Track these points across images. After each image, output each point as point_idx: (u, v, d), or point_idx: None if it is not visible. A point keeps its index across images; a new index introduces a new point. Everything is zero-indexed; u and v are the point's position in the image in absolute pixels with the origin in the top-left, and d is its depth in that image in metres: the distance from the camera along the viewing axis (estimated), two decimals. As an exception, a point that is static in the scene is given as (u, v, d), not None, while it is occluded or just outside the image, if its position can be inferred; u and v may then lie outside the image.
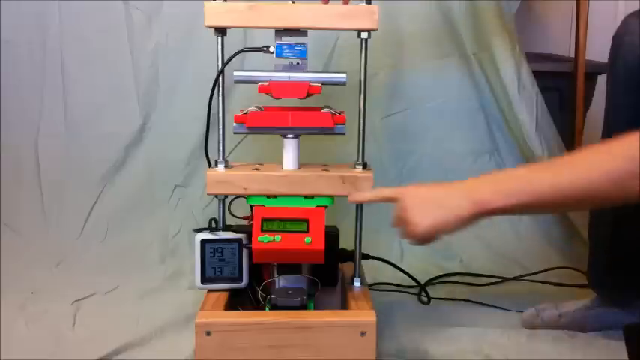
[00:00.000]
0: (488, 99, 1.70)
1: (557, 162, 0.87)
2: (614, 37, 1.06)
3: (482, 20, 1.65)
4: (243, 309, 1.12)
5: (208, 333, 0.99)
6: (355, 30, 1.10)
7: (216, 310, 1.06)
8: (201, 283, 1.13)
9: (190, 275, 1.28)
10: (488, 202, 0.86)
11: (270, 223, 1.08)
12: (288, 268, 1.13)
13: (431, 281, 1.44)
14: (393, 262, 1.31)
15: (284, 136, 1.12)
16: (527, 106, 1.65)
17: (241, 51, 1.12)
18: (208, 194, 1.13)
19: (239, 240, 1.13)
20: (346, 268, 1.23)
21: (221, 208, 1.15)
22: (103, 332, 1.18)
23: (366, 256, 1.21)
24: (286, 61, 1.12)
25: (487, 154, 1.72)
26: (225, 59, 1.11)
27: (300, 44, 1.12)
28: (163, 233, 1.61)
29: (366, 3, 1.09)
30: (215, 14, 1.08)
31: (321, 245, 1.06)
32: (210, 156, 1.16)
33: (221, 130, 1.13)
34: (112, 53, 1.65)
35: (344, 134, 1.12)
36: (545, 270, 1.48)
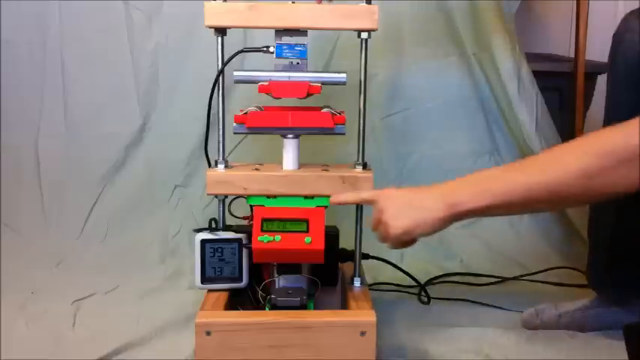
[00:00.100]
0: (489, 99, 1.70)
1: (531, 161, 0.88)
2: (614, 35, 1.07)
3: (482, 20, 1.65)
4: (243, 309, 1.12)
5: (208, 333, 0.99)
6: (355, 30, 1.10)
7: (216, 310, 1.05)
8: (201, 283, 1.13)
9: (190, 275, 1.28)
10: (462, 203, 0.87)
11: (270, 223, 1.08)
12: (288, 268, 1.13)
13: (431, 281, 1.44)
14: (393, 262, 1.31)
15: (284, 136, 1.12)
16: (527, 106, 1.65)
17: (241, 51, 1.12)
18: (208, 194, 1.13)
19: (239, 240, 1.13)
20: (346, 268, 1.23)
21: (221, 208, 1.15)
22: (103, 332, 1.18)
23: (366, 256, 1.21)
24: (286, 61, 1.12)
25: (487, 154, 1.72)
26: (225, 59, 1.11)
27: (300, 44, 1.12)
28: (163, 233, 1.61)
29: (366, 3, 1.09)
30: (215, 14, 1.08)
31: (321, 245, 1.06)
32: (210, 156, 1.16)
33: (221, 130, 1.13)
34: (112, 53, 1.65)
35: (344, 134, 1.12)
36: (545, 270, 1.48)
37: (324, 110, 1.12)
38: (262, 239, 1.06)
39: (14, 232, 1.62)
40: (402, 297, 1.37)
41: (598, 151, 0.79)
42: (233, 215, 1.17)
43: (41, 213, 1.64)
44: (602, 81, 1.79)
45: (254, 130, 1.12)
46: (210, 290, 1.12)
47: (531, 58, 1.73)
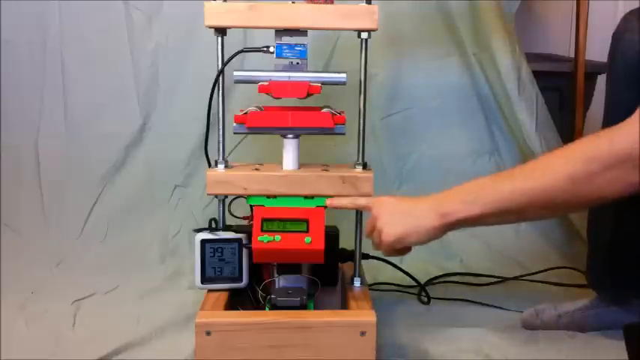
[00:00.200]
0: (489, 99, 1.70)
1: (519, 168, 0.89)
2: (613, 35, 1.07)
3: (482, 20, 1.65)
4: (243, 309, 1.12)
5: (208, 333, 0.99)
6: (355, 30, 1.10)
7: (216, 310, 1.05)
8: (201, 283, 1.13)
9: (190, 275, 1.28)
10: (453, 212, 0.89)
11: (270, 223, 1.08)
12: (288, 268, 1.13)
13: (431, 281, 1.44)
14: (393, 262, 1.31)
15: (284, 136, 1.12)
16: (527, 106, 1.65)
17: (241, 51, 1.12)
18: (208, 194, 1.13)
19: (239, 240, 1.13)
20: (346, 268, 1.23)
21: (221, 208, 1.15)
22: (103, 332, 1.18)
23: (366, 256, 1.21)
24: (286, 61, 1.12)
25: (487, 154, 1.72)
26: (225, 59, 1.11)
27: (300, 44, 1.12)
28: (163, 233, 1.61)
29: (366, 3, 1.09)
30: (215, 14, 1.08)
31: (321, 245, 1.06)
32: (210, 156, 1.16)
33: (221, 130, 1.13)
34: (112, 53, 1.65)
35: (344, 134, 1.13)
36: (545, 270, 1.48)
37: (324, 110, 1.12)
38: (262, 239, 1.06)
39: (14, 232, 1.62)
40: (402, 297, 1.37)
41: (584, 157, 0.80)
42: (233, 215, 1.17)
43: (41, 213, 1.64)
44: (602, 81, 1.79)
45: (254, 130, 1.12)
46: (210, 290, 1.12)
47: (531, 58, 1.73)
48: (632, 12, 1.06)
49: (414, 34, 1.67)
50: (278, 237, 1.06)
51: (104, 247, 1.58)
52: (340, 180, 1.10)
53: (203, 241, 1.12)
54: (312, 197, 1.10)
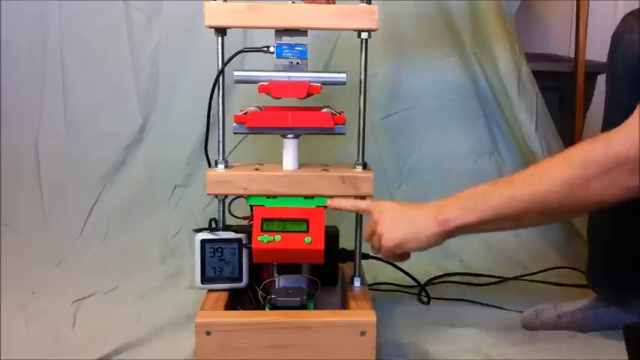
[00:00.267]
0: (489, 99, 1.70)
1: (517, 175, 0.89)
2: (613, 35, 1.07)
3: (482, 20, 1.65)
4: (243, 309, 1.12)
5: (208, 333, 0.99)
6: (355, 30, 1.10)
7: (216, 310, 1.05)
8: (201, 283, 1.13)
9: (190, 275, 1.28)
10: (452, 219, 0.90)
11: (270, 223, 1.08)
12: (288, 268, 1.13)
13: (431, 281, 1.44)
14: (392, 262, 1.31)
15: (284, 136, 1.12)
16: (527, 106, 1.65)
17: (241, 51, 1.12)
18: (208, 194, 1.13)
19: (239, 240, 1.13)
20: (346, 268, 1.23)
21: (221, 208, 1.15)
22: (103, 332, 1.18)
23: (366, 256, 1.21)
24: (286, 61, 1.12)
25: (487, 154, 1.72)
26: (225, 59, 1.11)
27: (300, 44, 1.11)
28: (163, 233, 1.61)
29: (366, 3, 1.09)
30: (215, 14, 1.08)
31: (321, 245, 1.06)
32: (210, 156, 1.16)
33: (221, 130, 1.13)
34: (112, 53, 1.65)
35: (344, 134, 1.13)
36: (545, 270, 1.48)
37: (324, 110, 1.12)
38: (262, 239, 1.06)
39: (14, 232, 1.61)
40: (402, 297, 1.37)
41: (581, 161, 0.80)
42: (233, 215, 1.17)
43: (41, 213, 1.64)
44: (602, 81, 1.79)
45: (254, 130, 1.12)
46: (210, 290, 1.12)
47: (531, 58, 1.73)
48: (631, 13, 1.07)
49: (413, 34, 1.67)
50: (278, 237, 1.06)
51: (104, 247, 1.58)
52: (340, 180, 1.10)
53: (203, 241, 1.12)
54: (312, 197, 1.10)
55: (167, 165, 1.67)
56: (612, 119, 1.07)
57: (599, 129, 1.11)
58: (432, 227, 0.91)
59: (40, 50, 1.66)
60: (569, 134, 1.79)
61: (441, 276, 1.47)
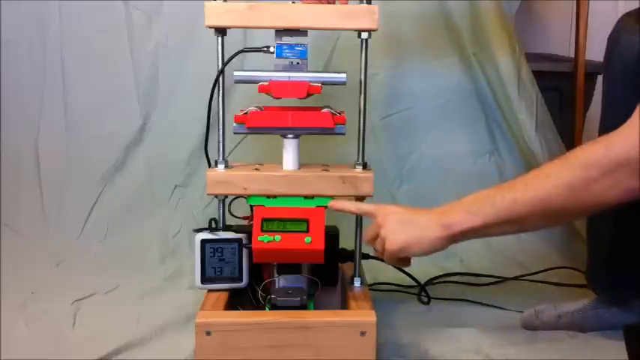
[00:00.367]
0: (489, 99, 1.70)
1: (520, 178, 0.89)
2: (610, 35, 1.07)
3: (482, 20, 1.65)
4: (243, 309, 1.12)
5: (208, 333, 0.99)
6: (355, 30, 1.10)
7: (216, 310, 1.06)
8: (201, 283, 1.13)
9: (190, 275, 1.28)
10: (456, 224, 0.90)
11: (270, 223, 1.08)
12: (288, 268, 1.13)
13: (431, 281, 1.44)
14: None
15: (284, 136, 1.12)
16: (527, 106, 1.65)
17: (241, 51, 1.12)
18: (208, 194, 1.13)
19: (239, 240, 1.13)
20: (346, 268, 1.23)
21: (221, 208, 1.15)
22: (103, 332, 1.18)
23: (366, 256, 1.21)
24: (286, 61, 1.12)
25: (487, 154, 1.72)
26: (226, 59, 1.12)
27: (300, 44, 1.12)
28: (163, 233, 1.61)
29: (366, 3, 1.09)
30: (215, 14, 1.08)
31: (321, 245, 1.06)
32: (210, 156, 1.16)
33: (221, 130, 1.13)
34: (112, 53, 1.65)
35: (344, 134, 1.13)
36: (545, 270, 1.48)
37: (324, 110, 1.12)
38: (262, 239, 1.06)
39: (14, 232, 1.61)
40: (402, 297, 1.37)
41: (582, 164, 0.81)
42: (233, 215, 1.17)
43: (41, 213, 1.64)
44: (602, 81, 1.79)
45: (254, 130, 1.12)
46: (210, 290, 1.13)
47: (531, 58, 1.73)
48: (628, 14, 1.07)
49: (413, 34, 1.67)
50: (278, 237, 1.06)
51: (104, 247, 1.58)
52: (340, 180, 1.10)
53: (203, 241, 1.12)
54: (312, 197, 1.10)
55: (167, 165, 1.67)
56: (609, 119, 1.08)
57: (598, 129, 1.11)
58: (436, 232, 0.92)
59: (40, 50, 1.66)
60: (569, 134, 1.79)
61: (441, 276, 1.47)
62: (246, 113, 1.10)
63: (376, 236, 0.99)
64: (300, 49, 1.11)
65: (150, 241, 1.59)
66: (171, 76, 1.66)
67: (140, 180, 1.67)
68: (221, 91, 1.12)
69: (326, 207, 1.10)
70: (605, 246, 1.14)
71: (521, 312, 1.25)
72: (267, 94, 1.10)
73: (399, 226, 0.96)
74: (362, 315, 1.04)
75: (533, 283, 1.45)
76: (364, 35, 1.10)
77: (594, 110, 1.82)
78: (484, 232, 0.90)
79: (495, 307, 1.31)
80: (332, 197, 1.10)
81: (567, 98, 1.81)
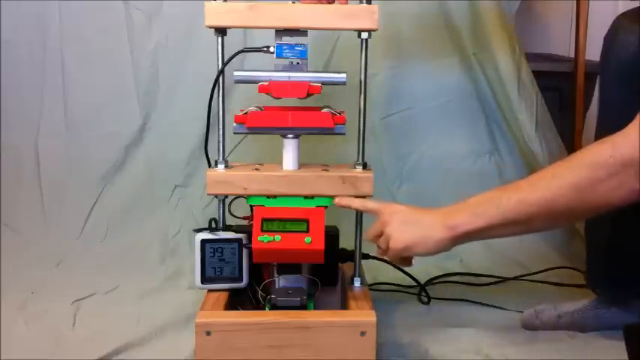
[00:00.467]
0: (489, 99, 1.70)
1: (525, 179, 0.90)
2: (606, 35, 1.08)
3: (482, 20, 1.65)
4: (243, 309, 1.12)
5: (208, 333, 0.99)
6: (355, 30, 1.10)
7: (216, 310, 1.06)
8: (201, 283, 1.13)
9: (190, 275, 1.28)
10: (460, 225, 0.91)
11: (270, 223, 1.08)
12: (288, 268, 1.13)
13: (431, 281, 1.44)
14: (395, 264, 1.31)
15: (284, 136, 1.12)
16: (527, 106, 1.65)
17: (241, 51, 1.12)
18: (208, 194, 1.13)
19: (239, 240, 1.13)
20: (346, 268, 1.23)
21: (221, 208, 1.15)
22: (103, 332, 1.18)
23: (366, 256, 1.21)
24: (286, 61, 1.12)
25: (487, 154, 1.72)
26: (226, 59, 1.11)
27: (300, 44, 1.12)
28: (163, 233, 1.61)
29: (366, 3, 1.09)
30: (215, 14, 1.08)
31: (321, 245, 1.06)
32: (210, 156, 1.16)
33: (221, 130, 1.13)
34: (112, 53, 1.65)
35: (344, 134, 1.13)
36: (545, 270, 1.48)
37: (324, 110, 1.12)
38: (262, 239, 1.06)
39: (14, 232, 1.61)
40: (402, 297, 1.37)
41: (588, 164, 0.81)
42: (233, 215, 1.17)
43: (41, 213, 1.64)
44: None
45: (254, 130, 1.12)
46: (210, 290, 1.12)
47: (531, 58, 1.73)
48: (624, 14, 1.07)
49: (413, 34, 1.67)
50: (278, 237, 1.06)
51: (104, 247, 1.58)
52: (340, 180, 1.10)
53: (203, 241, 1.12)
54: (312, 197, 1.10)
55: (167, 165, 1.67)
56: (606, 119, 1.08)
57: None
58: (441, 232, 0.92)
59: (40, 50, 1.66)
60: (569, 134, 1.79)
61: (441, 276, 1.47)
62: (246, 113, 1.10)
63: (379, 234, 0.99)
64: (300, 49, 1.11)
65: (150, 241, 1.59)
66: (171, 76, 1.66)
67: (140, 180, 1.67)
68: (221, 91, 1.12)
69: (326, 207, 1.10)
70: (604, 246, 1.14)
71: (521, 312, 1.24)
72: (267, 94, 1.10)
73: (404, 225, 0.96)
74: (362, 315, 1.04)
75: (533, 283, 1.45)
76: (364, 35, 1.10)
77: (594, 110, 1.81)
78: (488, 233, 0.90)
79: (495, 307, 1.31)
80: (332, 197, 1.10)
81: (567, 98, 1.81)
